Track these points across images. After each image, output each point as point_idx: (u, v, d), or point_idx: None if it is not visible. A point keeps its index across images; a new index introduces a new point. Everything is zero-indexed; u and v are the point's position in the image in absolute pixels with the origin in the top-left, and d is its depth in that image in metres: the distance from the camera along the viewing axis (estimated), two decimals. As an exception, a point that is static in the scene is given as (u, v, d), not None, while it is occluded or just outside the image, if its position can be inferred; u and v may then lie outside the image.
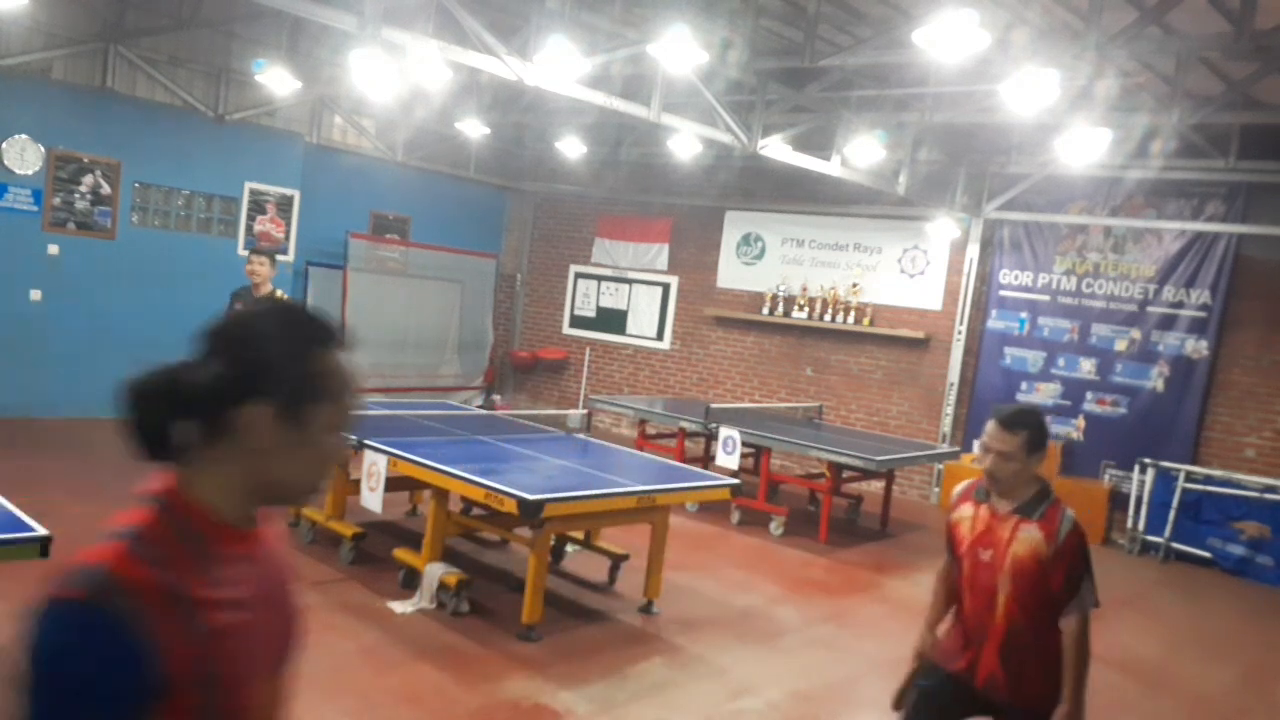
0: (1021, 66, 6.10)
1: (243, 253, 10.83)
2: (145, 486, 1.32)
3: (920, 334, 10.88)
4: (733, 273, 12.44)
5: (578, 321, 13.88)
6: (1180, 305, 9.50)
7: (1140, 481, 9.34)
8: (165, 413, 1.31)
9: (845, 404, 11.43)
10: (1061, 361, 10.12)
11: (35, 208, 9.35)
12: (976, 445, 3.09)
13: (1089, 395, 9.95)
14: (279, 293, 7.41)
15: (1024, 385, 10.30)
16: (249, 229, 10.86)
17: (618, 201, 13.42)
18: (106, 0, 9.53)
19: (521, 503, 4.91)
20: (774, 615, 6.37)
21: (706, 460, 8.97)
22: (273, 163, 11.04)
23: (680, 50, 6.17)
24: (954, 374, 10.66)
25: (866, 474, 8.57)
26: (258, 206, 10.92)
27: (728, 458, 8.41)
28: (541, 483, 5.49)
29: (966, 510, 3.28)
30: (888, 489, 9.28)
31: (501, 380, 14.23)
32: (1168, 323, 9.56)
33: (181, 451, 1.31)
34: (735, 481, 6.54)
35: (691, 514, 8.69)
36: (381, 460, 5.75)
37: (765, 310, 11.91)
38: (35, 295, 9.44)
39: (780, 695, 5.05)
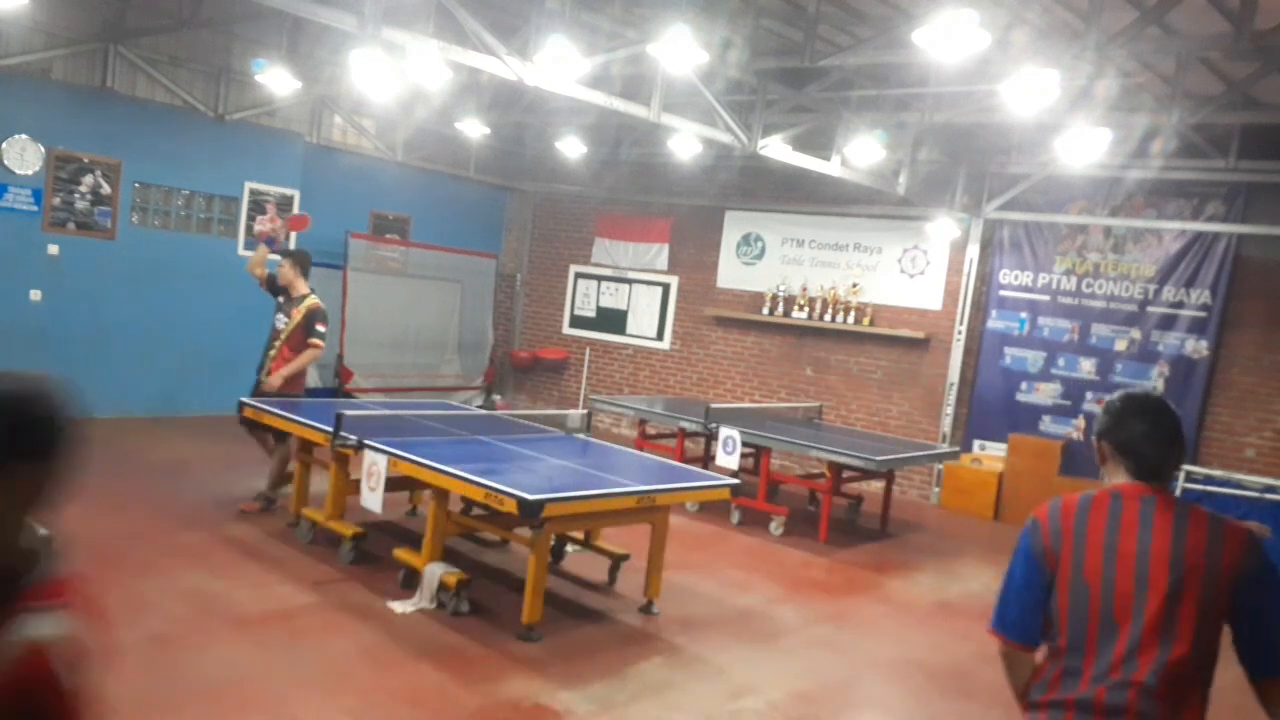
0: (1021, 66, 6.10)
1: (243, 253, 10.86)
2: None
3: (920, 334, 10.88)
4: (733, 273, 12.44)
5: (578, 321, 13.88)
6: (1180, 305, 9.50)
7: (1140, 481, 9.33)
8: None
9: (845, 404, 11.43)
10: (1061, 361, 10.12)
11: (35, 208, 9.35)
12: None
13: (1089, 395, 9.94)
14: (312, 298, 7.31)
15: (1024, 385, 10.30)
16: (249, 229, 10.86)
17: (618, 201, 13.42)
18: (106, 0, 9.53)
19: (521, 503, 4.91)
20: (774, 615, 6.37)
21: (706, 460, 8.97)
22: (273, 163, 11.04)
23: (680, 50, 6.17)
24: (954, 374, 10.66)
25: (866, 474, 8.56)
26: (258, 206, 10.92)
27: (728, 458, 8.41)
28: (541, 483, 5.49)
29: None
30: (888, 489, 9.28)
31: (501, 380, 14.23)
32: (1168, 323, 9.56)
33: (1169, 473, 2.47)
34: (735, 481, 6.53)
35: (691, 514, 8.69)
36: (381, 460, 5.75)
37: (765, 310, 11.91)
38: (35, 295, 9.44)
39: (780, 695, 5.05)
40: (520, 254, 14.44)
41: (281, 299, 7.39)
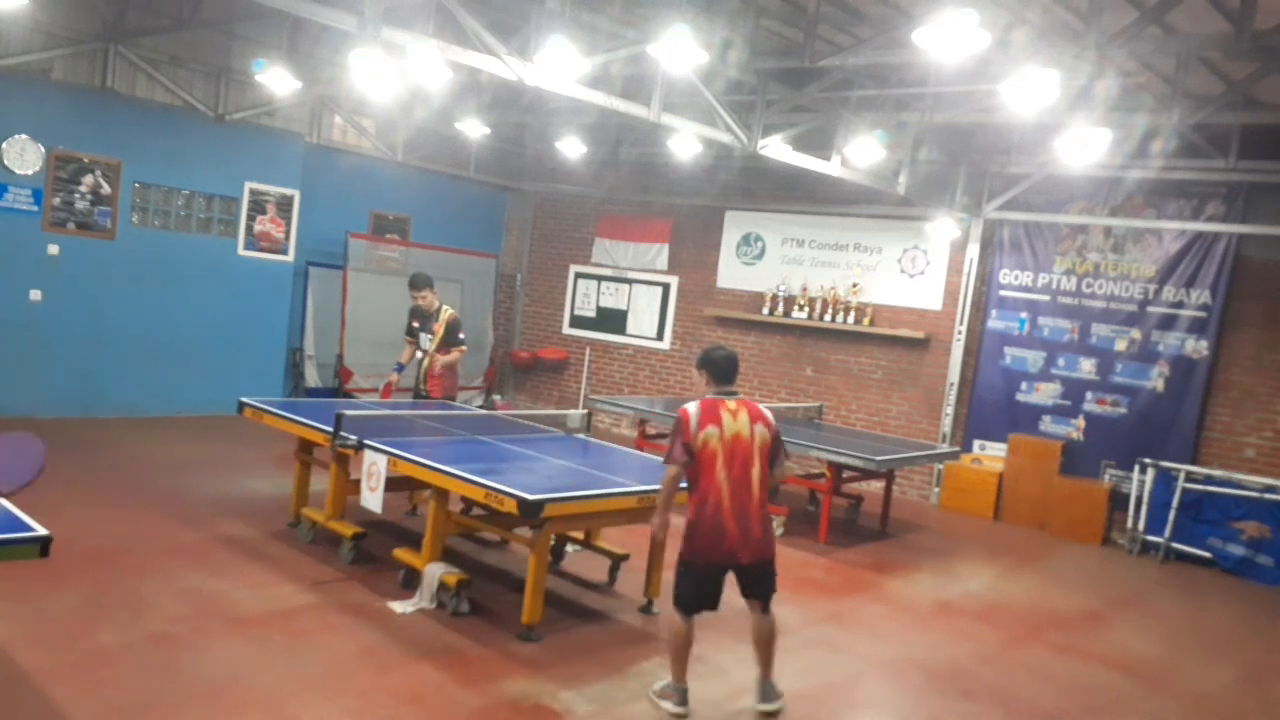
0: (1021, 66, 6.10)
1: (244, 253, 10.89)
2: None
3: (920, 334, 10.88)
4: (733, 273, 12.44)
5: (578, 321, 13.88)
6: (1180, 305, 9.50)
7: (1140, 481, 9.34)
8: None
9: (845, 404, 11.43)
10: (1061, 361, 10.12)
11: (35, 208, 9.35)
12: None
13: (1089, 395, 9.95)
14: (448, 310, 8.31)
15: (1024, 385, 10.30)
16: (249, 229, 10.86)
17: (618, 201, 13.42)
18: (106, 0, 9.54)
19: (521, 503, 4.91)
20: (774, 615, 6.35)
21: (706, 460, 8.95)
22: (273, 163, 11.04)
23: (680, 50, 6.17)
24: (954, 374, 10.66)
25: (866, 474, 8.56)
26: (258, 206, 10.92)
27: (728, 458, 8.38)
28: (541, 483, 5.49)
29: None
30: (888, 489, 9.28)
31: (501, 380, 14.23)
32: (1168, 323, 9.56)
33: None
34: (735, 481, 6.51)
35: (691, 514, 8.67)
36: (381, 460, 5.75)
37: (765, 310, 11.91)
38: (35, 295, 9.44)
39: (780, 695, 5.04)
40: (520, 254, 14.43)
41: (417, 323, 8.37)
